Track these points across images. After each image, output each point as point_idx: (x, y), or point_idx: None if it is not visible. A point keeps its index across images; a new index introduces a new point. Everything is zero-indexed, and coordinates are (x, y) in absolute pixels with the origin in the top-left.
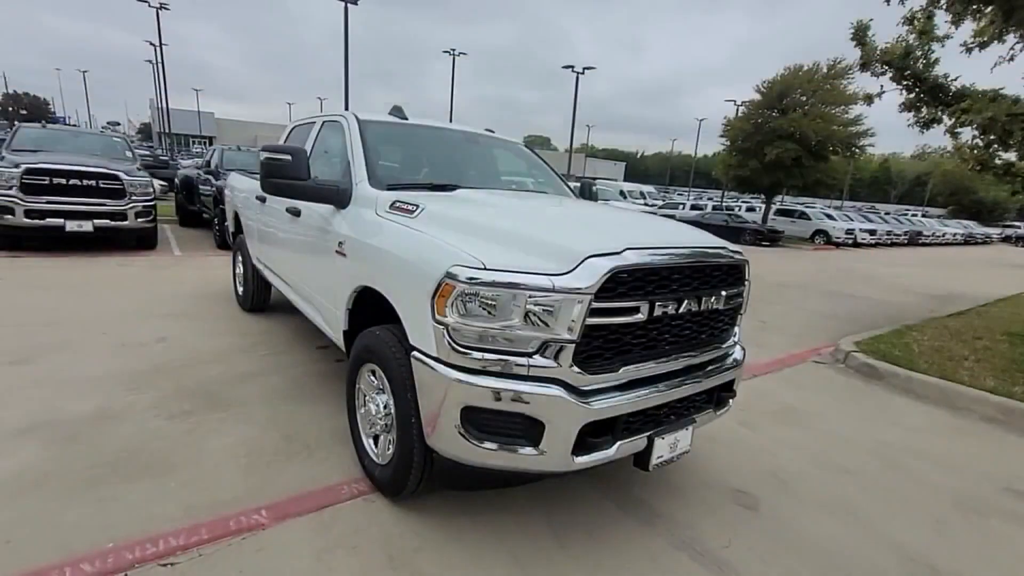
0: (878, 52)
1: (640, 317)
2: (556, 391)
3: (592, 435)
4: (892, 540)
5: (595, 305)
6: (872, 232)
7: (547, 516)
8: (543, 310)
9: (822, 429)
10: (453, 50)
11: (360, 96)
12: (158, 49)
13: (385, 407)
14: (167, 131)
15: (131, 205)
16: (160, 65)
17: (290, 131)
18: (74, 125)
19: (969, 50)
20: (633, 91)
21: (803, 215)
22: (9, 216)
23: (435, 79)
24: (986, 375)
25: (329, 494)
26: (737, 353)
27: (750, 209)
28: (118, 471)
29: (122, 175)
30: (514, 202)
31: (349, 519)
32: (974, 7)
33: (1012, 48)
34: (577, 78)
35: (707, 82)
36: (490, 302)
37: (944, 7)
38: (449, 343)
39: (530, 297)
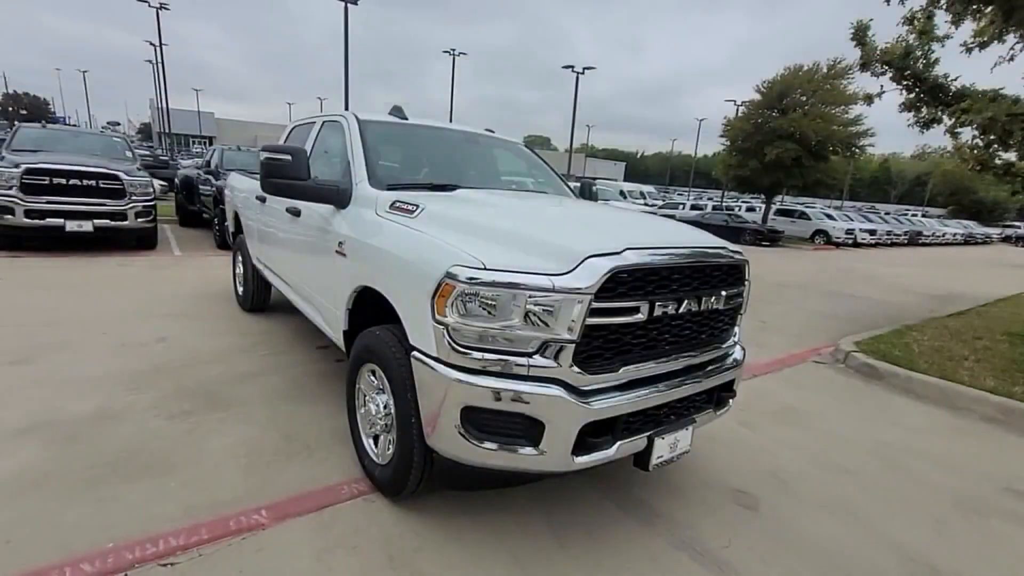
0: (878, 52)
1: (640, 317)
2: (556, 391)
3: (592, 435)
4: (892, 540)
5: (595, 305)
6: (872, 232)
7: (547, 516)
8: (543, 310)
9: (822, 429)
10: (453, 50)
11: (360, 96)
12: (158, 49)
13: (385, 407)
14: (167, 131)
15: (131, 205)
16: (160, 65)
17: (290, 131)
18: (74, 125)
19: (969, 50)
20: (633, 91)
21: (803, 215)
22: (9, 216)
23: (435, 79)
24: (986, 375)
25: (329, 494)
26: (737, 353)
27: (750, 209)
28: (118, 471)
29: (122, 175)
30: (514, 202)
31: (349, 519)
32: (974, 7)
33: (1012, 48)
34: (577, 78)
35: (707, 82)
36: (490, 302)
37: (944, 7)
38: (449, 343)
39: (530, 297)
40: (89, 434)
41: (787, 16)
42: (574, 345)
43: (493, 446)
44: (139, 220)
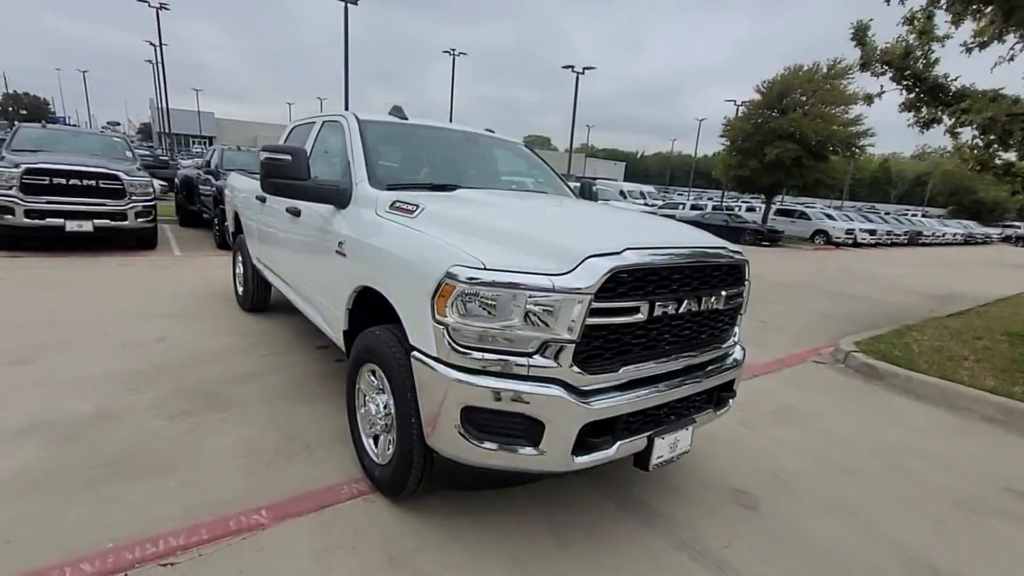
0: (878, 52)
1: (640, 317)
2: (556, 391)
3: (592, 435)
4: (892, 540)
5: (595, 305)
6: (872, 232)
7: (547, 516)
8: (543, 310)
9: (822, 429)
10: (453, 50)
11: (360, 96)
12: (158, 49)
13: (385, 407)
14: (167, 131)
15: (131, 205)
16: (160, 65)
17: (290, 131)
18: (74, 125)
19: (969, 50)
20: (633, 91)
21: (803, 215)
22: (9, 216)
23: (435, 79)
24: (986, 375)
25: (329, 494)
26: (737, 353)
27: (750, 209)
28: (118, 471)
29: (122, 175)
30: (514, 202)
31: (349, 519)
32: (974, 7)
33: (1012, 48)
34: (577, 78)
35: (707, 82)
36: (490, 302)
37: (944, 7)
38: (449, 343)
39: (530, 297)
40: (89, 434)
41: (787, 16)
42: (574, 345)
43: (493, 446)
44: (139, 220)
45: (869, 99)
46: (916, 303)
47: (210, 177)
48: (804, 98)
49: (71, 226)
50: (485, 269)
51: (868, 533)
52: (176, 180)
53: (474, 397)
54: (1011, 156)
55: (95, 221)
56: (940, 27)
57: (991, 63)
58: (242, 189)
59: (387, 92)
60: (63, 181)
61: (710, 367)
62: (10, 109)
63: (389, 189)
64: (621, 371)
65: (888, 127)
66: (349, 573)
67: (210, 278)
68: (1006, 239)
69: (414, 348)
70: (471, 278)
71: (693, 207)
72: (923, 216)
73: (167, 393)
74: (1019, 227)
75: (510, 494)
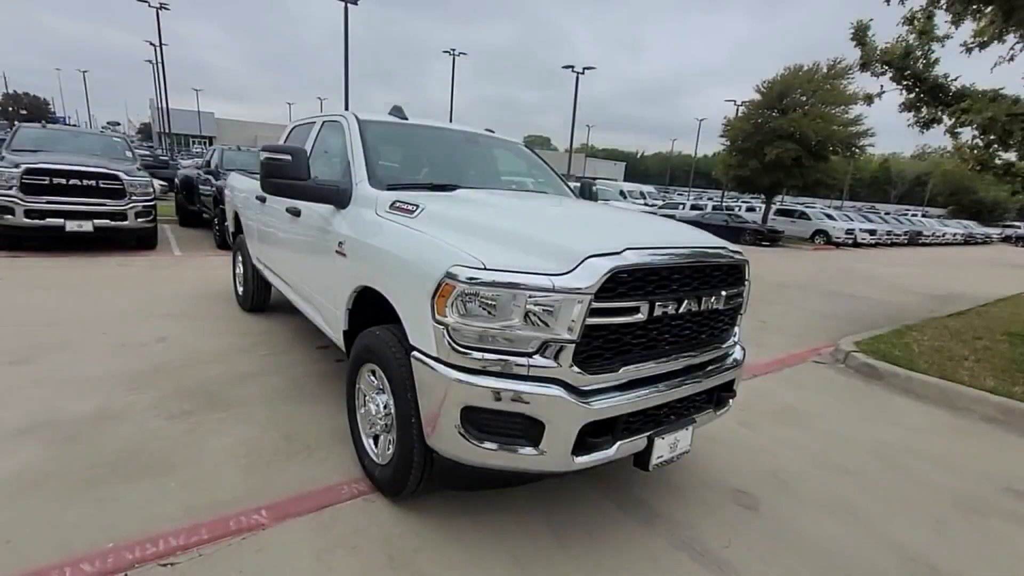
0: (878, 52)
1: (640, 317)
2: (556, 391)
3: (592, 435)
4: (892, 540)
5: (595, 305)
6: (872, 232)
7: (547, 516)
8: (543, 310)
9: (822, 429)
10: (453, 50)
11: (360, 96)
12: (158, 49)
13: (385, 407)
14: (167, 131)
15: (131, 205)
16: (160, 65)
17: (290, 131)
18: (74, 125)
19: (969, 50)
20: (633, 91)
21: (803, 215)
22: (9, 216)
23: (435, 79)
24: (986, 375)
25: (329, 494)
26: (737, 353)
27: (750, 209)
28: (118, 471)
29: (122, 175)
30: (514, 202)
31: (349, 519)
32: (974, 7)
33: (1012, 48)
34: (577, 78)
35: (707, 82)
36: (490, 302)
37: (944, 7)
38: (449, 343)
39: (530, 297)
40: (89, 434)
41: (787, 16)
42: (574, 345)
43: (493, 446)
44: (139, 220)
45: (869, 99)
46: (916, 303)
47: (210, 177)
48: (804, 98)
49: (71, 226)
50: (485, 269)
51: (868, 533)
52: (176, 180)
53: (474, 397)
54: (1011, 156)
55: (95, 221)
56: (940, 27)
57: (991, 63)
58: (242, 189)
59: (387, 92)
60: (63, 181)
61: (710, 367)
62: (10, 109)
63: (389, 189)
64: (621, 371)
65: (888, 127)
66: (349, 573)
67: (210, 278)
68: (1006, 239)
69: (414, 348)
70: (471, 278)
71: (693, 207)
72: (923, 216)
73: (167, 393)
74: (1019, 227)
75: (510, 494)
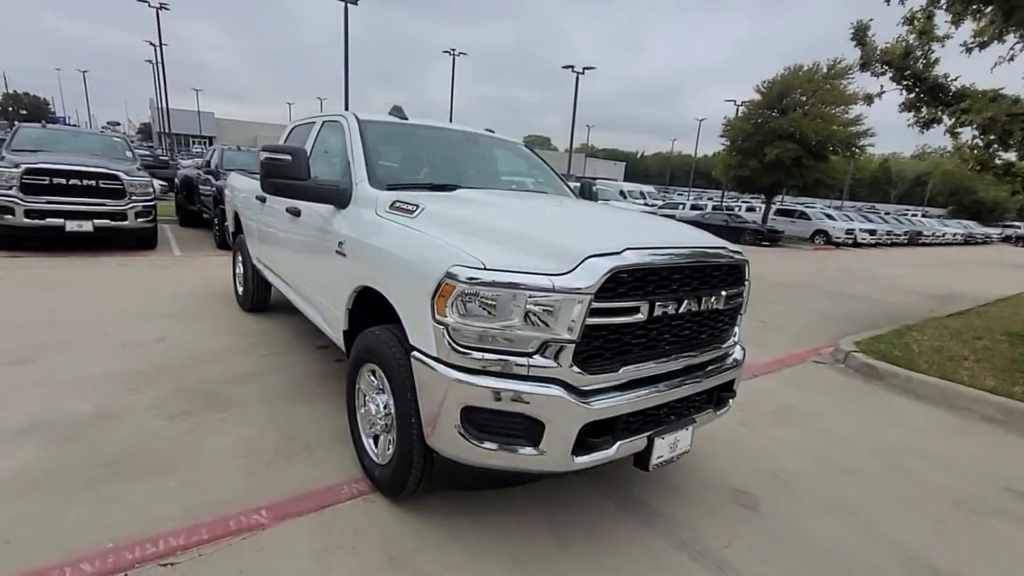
0: (878, 52)
1: (640, 317)
2: (556, 391)
3: (592, 435)
4: (892, 540)
5: (595, 305)
6: (872, 232)
7: (547, 516)
8: (543, 310)
9: (822, 429)
10: (453, 50)
11: (360, 96)
12: (158, 49)
13: (385, 407)
14: (167, 131)
15: (131, 205)
16: (160, 65)
17: (290, 131)
18: (74, 125)
19: (969, 50)
20: (633, 91)
21: (803, 215)
22: (9, 216)
23: (435, 79)
24: (986, 375)
25: (329, 494)
26: (737, 353)
27: (750, 209)
28: (118, 471)
29: (122, 175)
30: (514, 202)
31: (349, 519)
32: (974, 7)
33: (1012, 48)
34: (577, 78)
35: (707, 82)
36: (490, 302)
37: (944, 7)
38: (449, 343)
39: (530, 297)
40: (89, 434)
41: (787, 16)
42: (574, 345)
43: (493, 446)
44: (139, 220)
45: (869, 99)
46: (916, 303)
47: (210, 177)
48: (804, 98)
49: (71, 226)
50: (485, 269)
51: (868, 533)
52: (176, 180)
53: (474, 397)
54: (1011, 156)
55: (95, 221)
56: (940, 27)
57: (991, 63)
58: (242, 189)
59: (387, 92)
60: (63, 181)
61: (710, 367)
62: (10, 109)
63: (389, 189)
64: (621, 371)
65: (888, 127)
66: (349, 573)
67: (210, 278)
68: (1006, 239)
69: (414, 348)
70: (471, 278)
71: (693, 207)
72: (923, 216)
73: (167, 393)
74: (1019, 227)
75: (510, 494)
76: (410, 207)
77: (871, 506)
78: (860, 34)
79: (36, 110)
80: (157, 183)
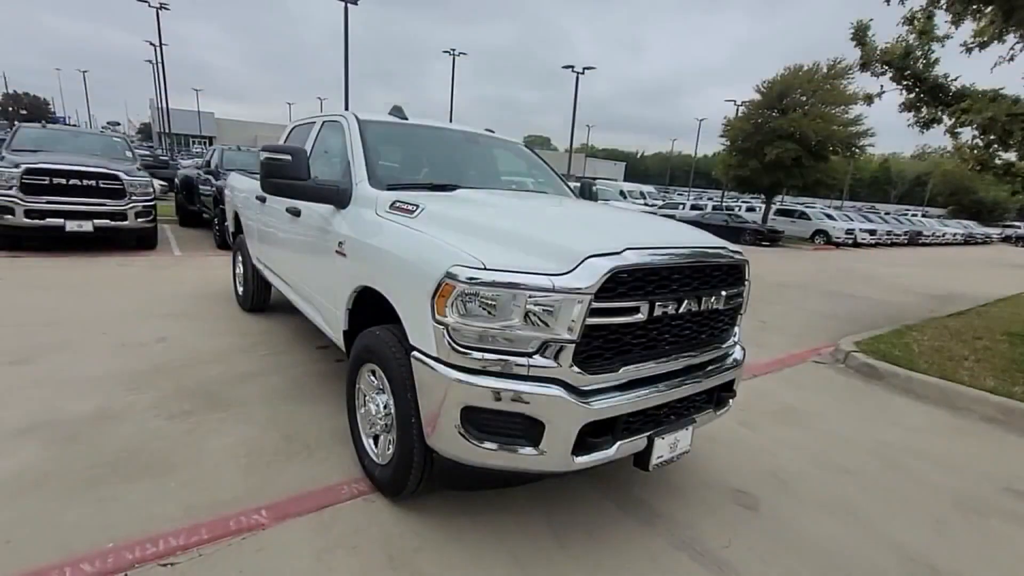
0: (878, 52)
1: (640, 317)
2: (556, 391)
3: (592, 435)
4: (892, 540)
5: (595, 305)
6: (872, 232)
7: (547, 516)
8: (543, 310)
9: (822, 429)
10: (453, 50)
11: (360, 96)
12: (158, 49)
13: (385, 407)
14: (167, 131)
15: (131, 205)
16: (160, 65)
17: (290, 131)
18: (74, 125)
19: (969, 50)
20: (633, 91)
21: (803, 215)
22: (9, 216)
23: (435, 79)
24: (986, 375)
25: (329, 494)
26: (737, 353)
27: (750, 209)
28: (118, 471)
29: (122, 175)
30: (514, 202)
31: (349, 519)
32: (974, 7)
33: (1012, 48)
34: (577, 78)
35: (707, 82)
36: (490, 302)
37: (944, 7)
38: (449, 343)
39: (530, 297)
40: (89, 434)
41: (787, 16)
42: (574, 345)
43: (493, 446)
44: (139, 220)
45: (869, 99)
46: (916, 303)
47: (210, 177)
48: (804, 98)
49: (71, 226)
50: (485, 269)
51: (868, 533)
52: (176, 180)
53: (474, 397)
54: (1011, 156)
55: (95, 221)
56: (940, 27)
57: (991, 63)
58: (242, 189)
59: (387, 92)
60: (63, 181)
61: (710, 367)
62: (10, 109)
63: (389, 189)
64: (621, 371)
65: (888, 127)
66: (349, 573)
67: (210, 278)
68: (1006, 239)
69: (414, 348)
70: (471, 278)
71: (693, 207)
72: (923, 216)
73: (167, 393)
74: (1019, 227)
75: (510, 494)
76: (410, 207)
77: (871, 506)
78: (860, 34)
79: (36, 110)
80: (157, 183)
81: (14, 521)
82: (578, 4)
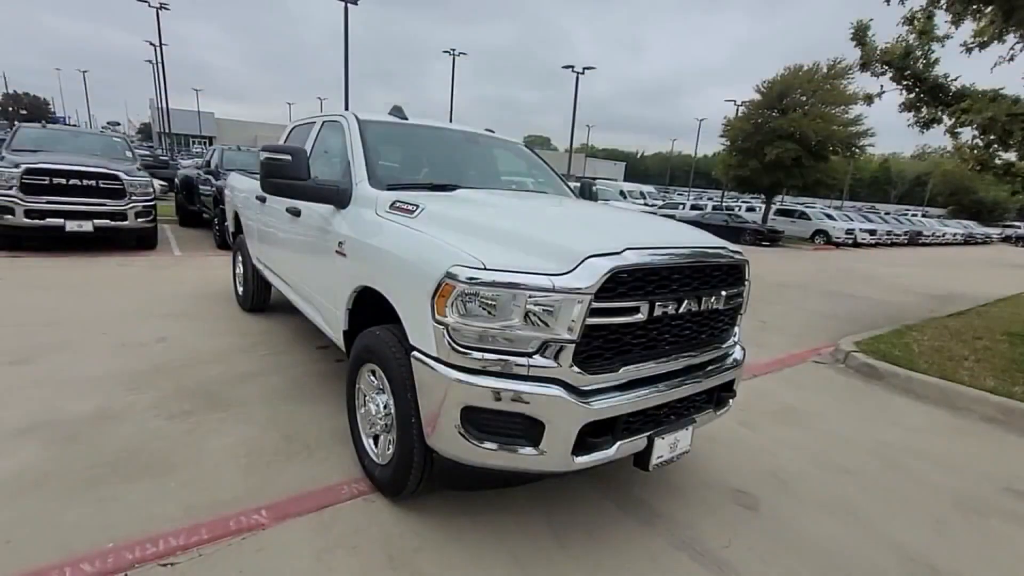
0: (878, 52)
1: (640, 317)
2: (556, 391)
3: (592, 435)
4: (892, 540)
5: (595, 305)
6: (872, 232)
7: (547, 516)
8: (543, 310)
9: (822, 429)
10: (453, 50)
11: (360, 96)
12: (158, 49)
13: (385, 407)
14: (167, 131)
15: (131, 205)
16: (160, 65)
17: (290, 131)
18: (74, 125)
19: (969, 50)
20: (633, 91)
21: (803, 215)
22: (9, 216)
23: (435, 79)
24: (986, 375)
25: (329, 494)
26: (737, 353)
27: (750, 209)
28: (118, 471)
29: (122, 175)
30: (514, 202)
31: (349, 519)
32: (974, 7)
33: (1012, 48)
34: (577, 78)
35: (707, 82)
36: (490, 302)
37: (944, 7)
38: (449, 343)
39: (530, 297)
40: (89, 434)
41: (787, 16)
42: (574, 345)
43: (493, 446)
44: (139, 220)
45: (869, 99)
46: (916, 303)
47: (210, 177)
48: (804, 98)
49: (71, 226)
50: (485, 269)
51: (868, 533)
52: (176, 180)
53: (474, 397)
54: (1011, 156)
55: (95, 221)
56: (940, 27)
57: (991, 63)
58: (242, 189)
59: (387, 92)
60: (63, 181)
61: (710, 367)
62: (10, 109)
63: (389, 189)
64: (621, 371)
65: (888, 127)
66: (349, 573)
67: (210, 278)
68: (1006, 239)
69: (414, 348)
70: (471, 278)
71: (693, 207)
72: (923, 216)
73: (167, 393)
74: (1019, 227)
75: (510, 494)
76: (410, 207)
77: (871, 506)
78: (860, 34)
79: (36, 110)
80: (157, 183)
81: (14, 521)
82: (578, 4)
